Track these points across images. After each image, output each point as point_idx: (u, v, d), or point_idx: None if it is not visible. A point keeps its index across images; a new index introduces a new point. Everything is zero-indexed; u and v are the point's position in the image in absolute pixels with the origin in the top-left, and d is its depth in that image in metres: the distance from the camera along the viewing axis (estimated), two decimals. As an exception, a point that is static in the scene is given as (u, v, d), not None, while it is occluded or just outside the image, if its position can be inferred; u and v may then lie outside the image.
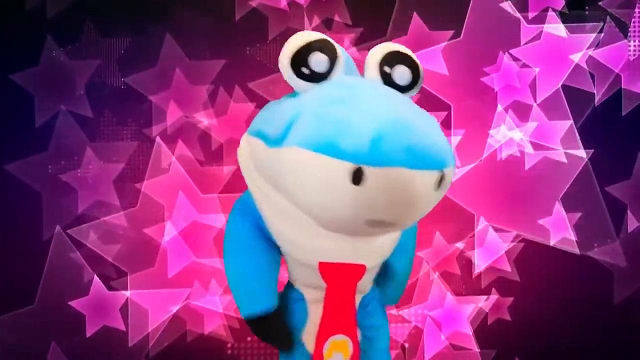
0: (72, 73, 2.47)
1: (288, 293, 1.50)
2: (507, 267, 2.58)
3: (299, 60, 1.27)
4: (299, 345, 1.48)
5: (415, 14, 2.53)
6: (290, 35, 2.30)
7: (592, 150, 2.56)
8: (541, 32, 2.55)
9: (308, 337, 1.47)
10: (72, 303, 2.45)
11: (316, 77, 1.29)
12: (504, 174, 2.55)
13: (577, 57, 2.53)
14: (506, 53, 2.52)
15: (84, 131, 2.47)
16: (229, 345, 2.51)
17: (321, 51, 1.28)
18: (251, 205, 1.41)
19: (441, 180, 1.24)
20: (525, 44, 2.56)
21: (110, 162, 2.48)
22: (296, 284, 1.49)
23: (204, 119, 2.50)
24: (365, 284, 1.47)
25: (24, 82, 2.46)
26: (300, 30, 2.12)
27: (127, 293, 2.50)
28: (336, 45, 1.31)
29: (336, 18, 2.56)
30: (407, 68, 1.32)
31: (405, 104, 1.29)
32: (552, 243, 2.56)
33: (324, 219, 1.28)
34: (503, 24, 2.54)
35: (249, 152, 1.38)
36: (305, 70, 1.28)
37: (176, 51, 2.53)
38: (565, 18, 2.55)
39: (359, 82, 1.32)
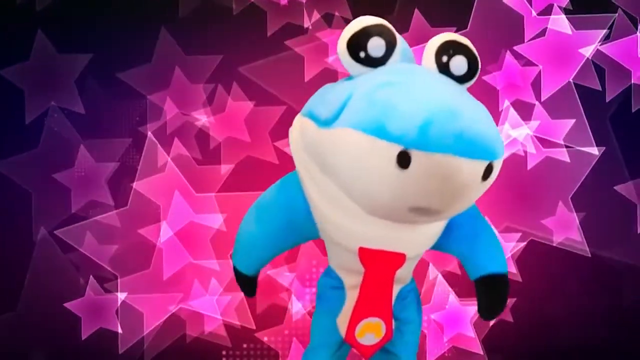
0: (63, 68, 2.44)
1: (325, 281, 1.54)
2: (511, 269, 2.54)
3: (357, 44, 1.28)
4: (333, 330, 1.51)
5: (416, 10, 2.52)
6: (289, 31, 2.43)
7: (604, 148, 2.53)
8: (546, 28, 2.52)
9: (342, 319, 1.49)
10: (67, 305, 2.44)
11: (373, 62, 1.29)
12: (507, 173, 2.45)
13: (585, 52, 2.50)
14: (508, 51, 2.50)
15: (76, 128, 2.44)
16: (224, 352, 2.52)
17: (380, 36, 1.29)
18: (295, 185, 1.43)
19: (489, 170, 1.23)
20: (530, 40, 2.53)
21: (104, 160, 2.45)
22: (336, 269, 1.51)
23: (201, 117, 2.49)
24: (405, 273, 1.48)
25: (13, 77, 2.42)
26: (299, 26, 2.30)
27: (122, 295, 2.49)
28: (395, 32, 1.31)
29: (336, 13, 2.54)
30: (464, 58, 1.32)
31: (458, 92, 1.29)
32: (555, 243, 2.55)
33: (368, 203, 1.29)
34: (507, 20, 2.52)
35: (300, 133, 1.39)
36: (362, 54, 1.28)
37: (172, 46, 2.50)
38: (571, 13, 2.53)
39: (415, 68, 1.33)
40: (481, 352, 2.57)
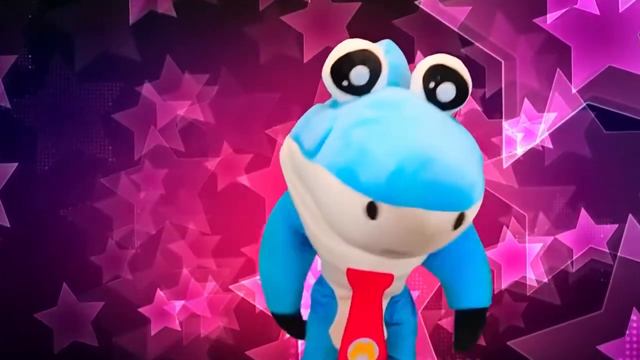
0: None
1: (319, 287, 1.54)
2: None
3: (340, 72, 1.26)
4: (326, 338, 1.51)
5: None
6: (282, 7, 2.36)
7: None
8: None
9: (335, 331, 1.50)
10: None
11: (356, 90, 1.28)
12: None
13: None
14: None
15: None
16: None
17: (363, 63, 1.26)
18: (288, 204, 1.44)
19: (460, 219, 1.23)
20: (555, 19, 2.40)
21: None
22: (327, 280, 1.52)
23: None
24: (396, 288, 1.49)
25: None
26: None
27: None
28: (380, 57, 1.28)
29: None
30: (451, 84, 1.27)
31: (440, 128, 1.26)
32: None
33: (345, 240, 1.32)
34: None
35: (289, 155, 1.39)
36: (345, 82, 1.26)
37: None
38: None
39: (400, 98, 1.29)
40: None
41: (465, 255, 1.50)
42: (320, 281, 1.54)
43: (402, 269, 1.44)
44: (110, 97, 2.43)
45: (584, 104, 2.41)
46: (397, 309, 1.52)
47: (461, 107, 1.30)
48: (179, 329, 2.42)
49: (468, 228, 1.40)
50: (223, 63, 2.40)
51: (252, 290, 2.37)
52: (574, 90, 2.41)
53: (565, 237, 2.43)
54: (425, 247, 1.29)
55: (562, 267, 2.43)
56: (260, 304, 2.34)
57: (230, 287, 2.39)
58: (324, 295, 1.51)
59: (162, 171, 2.42)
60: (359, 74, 1.26)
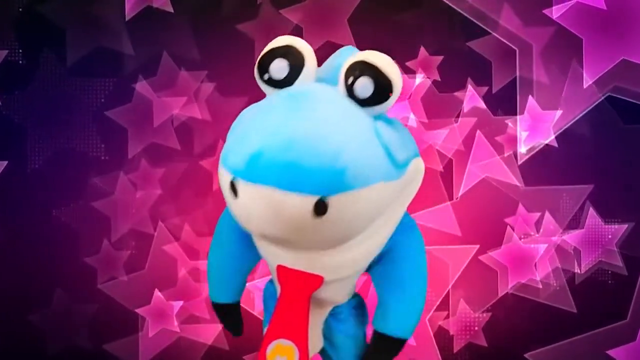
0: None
1: (267, 288, 1.56)
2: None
3: (262, 65, 1.31)
4: None
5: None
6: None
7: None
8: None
9: None
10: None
11: (277, 84, 1.31)
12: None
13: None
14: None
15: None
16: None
17: (284, 57, 1.30)
18: None
19: (322, 206, 1.20)
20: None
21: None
22: (273, 279, 1.52)
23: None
24: (333, 294, 1.46)
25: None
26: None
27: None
28: (305, 52, 1.31)
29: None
30: (369, 79, 1.26)
31: (331, 116, 1.25)
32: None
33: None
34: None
35: None
36: (265, 76, 1.31)
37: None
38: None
39: (308, 90, 1.30)
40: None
41: (405, 279, 1.44)
42: (270, 283, 1.54)
43: (332, 273, 1.38)
44: (104, 93, 2.40)
45: (601, 98, 2.35)
46: (340, 320, 1.48)
47: (386, 105, 1.26)
48: (178, 330, 2.38)
49: (417, 251, 1.44)
50: (221, 59, 2.36)
51: (252, 292, 2.31)
52: (588, 83, 2.34)
53: (572, 238, 2.38)
54: (291, 232, 1.24)
55: (570, 269, 2.39)
56: (258, 306, 2.28)
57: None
58: (270, 297, 1.51)
59: (158, 170, 2.38)
60: (278, 68, 1.29)
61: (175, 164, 2.39)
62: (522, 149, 2.36)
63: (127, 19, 2.33)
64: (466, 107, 2.31)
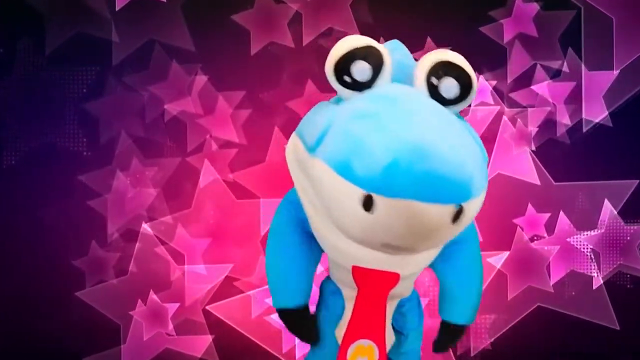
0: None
1: (326, 286, 1.58)
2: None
3: (342, 68, 1.32)
4: (332, 338, 1.53)
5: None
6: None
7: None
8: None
9: (341, 331, 1.52)
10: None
11: (359, 86, 1.33)
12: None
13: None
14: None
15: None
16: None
17: (365, 59, 1.32)
18: (297, 202, 1.49)
19: (459, 213, 1.28)
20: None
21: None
22: (335, 280, 1.56)
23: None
24: (403, 289, 1.53)
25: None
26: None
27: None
28: (383, 52, 1.34)
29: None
30: (454, 81, 1.32)
31: (440, 122, 1.32)
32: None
33: (346, 234, 1.36)
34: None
35: (294, 151, 1.44)
36: (347, 78, 1.32)
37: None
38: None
39: (400, 93, 1.35)
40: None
41: (466, 270, 1.57)
42: (328, 280, 1.57)
43: (408, 268, 1.46)
44: (86, 84, 2.31)
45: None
46: (403, 313, 1.55)
47: (466, 103, 1.33)
48: (173, 334, 2.32)
49: (474, 244, 1.54)
50: (215, 51, 2.30)
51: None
52: (615, 74, 2.29)
53: (589, 239, 2.31)
54: (425, 241, 1.31)
55: (586, 273, 2.32)
56: (256, 310, 2.27)
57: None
58: (331, 295, 1.54)
59: (149, 168, 2.32)
60: (361, 70, 1.31)
61: (167, 160, 2.32)
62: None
63: (117, 8, 2.26)
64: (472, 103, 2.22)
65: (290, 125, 2.09)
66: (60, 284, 2.32)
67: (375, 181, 1.23)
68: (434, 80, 1.32)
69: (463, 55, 1.34)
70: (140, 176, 2.32)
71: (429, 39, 2.21)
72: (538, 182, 2.29)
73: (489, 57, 2.29)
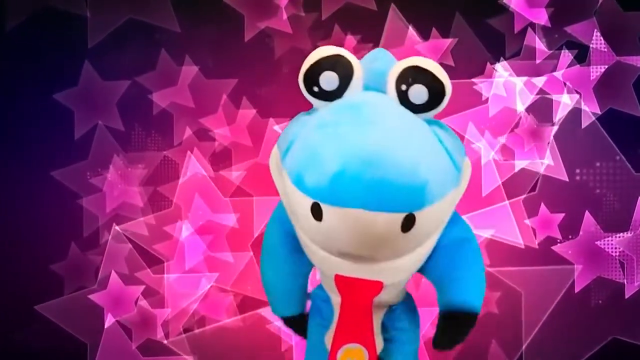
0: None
1: (318, 292, 1.61)
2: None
3: (311, 78, 1.36)
4: (322, 345, 1.56)
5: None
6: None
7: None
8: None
9: (330, 338, 1.54)
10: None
11: (327, 96, 1.36)
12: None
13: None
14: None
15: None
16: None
17: (332, 69, 1.35)
18: (284, 216, 1.51)
19: (410, 222, 1.30)
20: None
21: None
22: (324, 286, 1.59)
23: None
24: (390, 297, 1.53)
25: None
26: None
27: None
28: (353, 61, 1.36)
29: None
30: (423, 87, 1.32)
31: (402, 130, 1.32)
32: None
33: (313, 242, 1.41)
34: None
35: (275, 160, 1.47)
36: (315, 88, 1.36)
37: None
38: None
39: (366, 102, 1.36)
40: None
41: (461, 258, 1.52)
42: (320, 287, 1.61)
43: (391, 276, 1.45)
44: (54, 72, 2.21)
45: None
46: (393, 318, 1.55)
47: (439, 109, 1.33)
48: (164, 341, 2.27)
49: (465, 233, 1.51)
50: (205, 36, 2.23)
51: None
52: None
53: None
54: (379, 250, 1.33)
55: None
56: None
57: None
58: (322, 301, 1.58)
59: (134, 164, 2.25)
60: (328, 79, 1.34)
61: (153, 154, 2.24)
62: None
63: None
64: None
65: (285, 118, 2.09)
66: (39, 289, 2.23)
67: (323, 190, 1.28)
68: (403, 86, 1.33)
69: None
70: (122, 172, 2.23)
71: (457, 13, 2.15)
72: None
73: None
